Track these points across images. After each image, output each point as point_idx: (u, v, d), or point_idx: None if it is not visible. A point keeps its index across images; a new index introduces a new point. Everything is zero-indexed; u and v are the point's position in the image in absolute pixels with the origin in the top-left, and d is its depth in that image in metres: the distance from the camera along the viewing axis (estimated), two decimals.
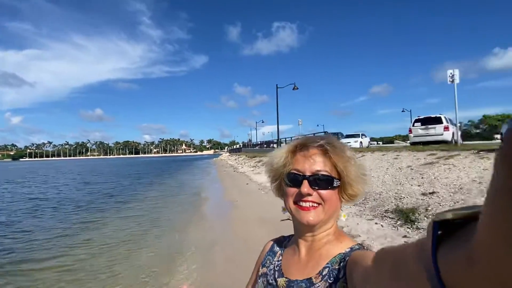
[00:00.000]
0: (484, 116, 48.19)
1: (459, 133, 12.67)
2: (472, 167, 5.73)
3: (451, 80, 8.72)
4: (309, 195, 0.65)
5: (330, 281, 0.63)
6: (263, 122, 50.33)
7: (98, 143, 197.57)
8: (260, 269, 0.81)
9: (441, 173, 5.94)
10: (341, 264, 0.63)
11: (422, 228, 3.99)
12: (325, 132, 23.61)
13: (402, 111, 42.78)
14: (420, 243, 0.25)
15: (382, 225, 4.45)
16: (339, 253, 0.66)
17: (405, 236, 3.87)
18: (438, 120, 12.67)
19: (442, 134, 12.33)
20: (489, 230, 0.17)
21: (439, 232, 0.22)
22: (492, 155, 6.40)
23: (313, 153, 0.68)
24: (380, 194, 5.87)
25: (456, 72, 8.60)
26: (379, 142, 40.43)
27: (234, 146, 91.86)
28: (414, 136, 13.24)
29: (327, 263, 0.65)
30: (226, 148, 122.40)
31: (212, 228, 6.02)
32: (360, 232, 4.32)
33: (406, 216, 4.45)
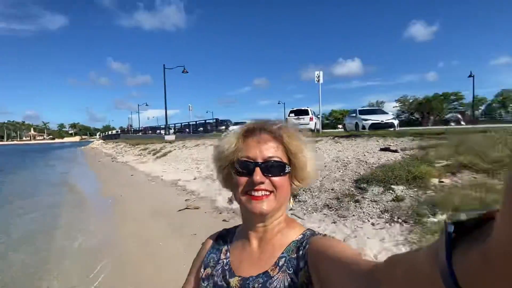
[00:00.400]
0: (332, 110, 64.15)
1: (320, 123, 16.08)
2: (331, 149, 7.42)
3: (317, 79, 10.83)
4: (262, 183, 0.62)
5: (290, 272, 0.60)
6: (147, 105, 45.69)
7: None
8: (202, 270, 0.73)
9: None
10: (300, 253, 0.60)
11: (301, 201, 4.85)
12: (216, 119, 24.03)
13: (278, 103, 49.80)
14: (434, 246, 0.24)
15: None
16: (293, 241, 0.64)
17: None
18: (305, 112, 15.55)
19: (308, 124, 15.23)
20: (507, 227, 0.17)
21: (453, 235, 0.22)
22: (343, 141, 8.56)
23: (265, 138, 0.65)
24: None
25: (321, 74, 10.77)
26: None
27: (109, 132, 78.65)
28: None
29: (283, 253, 0.63)
30: (98, 134, 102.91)
31: (92, 232, 4.99)
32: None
33: None
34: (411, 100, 56.38)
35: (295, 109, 16.02)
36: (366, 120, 12.38)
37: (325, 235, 0.66)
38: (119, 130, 68.66)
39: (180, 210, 5.32)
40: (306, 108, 15.66)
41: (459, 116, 33.83)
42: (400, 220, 3.60)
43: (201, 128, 25.89)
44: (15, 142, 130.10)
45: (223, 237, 0.76)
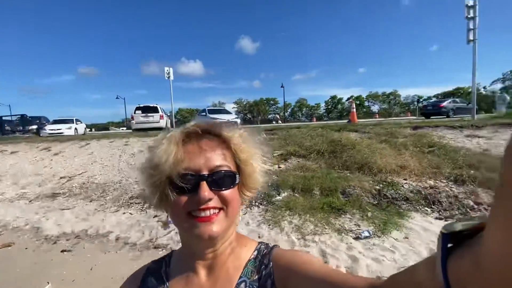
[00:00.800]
0: (179, 108, 63.87)
1: (170, 121, 15.60)
2: None
3: (167, 76, 10.39)
4: (210, 200, 0.50)
5: None
6: None
7: None
8: None
9: None
10: (263, 272, 0.53)
11: None
12: (22, 115, 17.13)
13: (116, 97, 43.22)
14: (432, 257, 0.24)
15: (130, 213, 4.43)
16: (249, 260, 0.56)
17: (156, 216, 4.18)
18: (155, 110, 14.56)
19: (158, 122, 14.37)
20: (496, 233, 0.17)
21: (450, 245, 0.22)
22: None
23: (211, 144, 0.53)
24: (119, 183, 5.71)
25: (171, 71, 10.41)
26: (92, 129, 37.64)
27: None
28: (136, 123, 14.12)
29: (241, 277, 0.54)
30: None
31: None
32: (109, 228, 3.98)
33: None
34: (245, 103, 67.35)
35: (142, 105, 14.53)
36: (215, 119, 13.37)
37: (289, 249, 0.62)
38: None
39: None
40: (155, 105, 14.63)
41: (277, 116, 45.13)
42: (257, 203, 4.24)
43: None
44: None
45: (154, 273, 0.59)
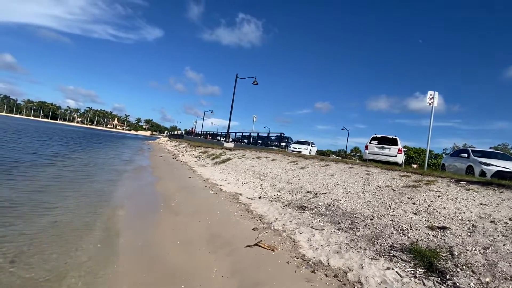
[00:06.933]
0: (404, 146, 56.55)
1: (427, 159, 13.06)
2: (465, 199, 4.98)
3: (429, 102, 8.37)
4: None
5: None
6: (212, 112, 47.54)
7: (2, 96, 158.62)
8: None
9: (432, 201, 5.05)
10: None
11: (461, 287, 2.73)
12: (281, 133, 22.66)
13: (342, 129, 46.12)
14: None
15: (398, 273, 3.07)
16: None
17: None
18: (393, 142, 12.78)
19: (395, 156, 12.43)
20: None
21: None
22: (476, 187, 5.95)
23: None
24: (371, 219, 4.61)
25: (436, 95, 8.30)
26: (328, 153, 42.43)
27: (175, 132, 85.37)
28: (369, 153, 13.12)
29: None
30: (165, 132, 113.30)
31: (123, 252, 3.70)
32: (374, 287, 2.83)
33: (428, 261, 3.19)
34: None
35: (379, 136, 13.35)
36: (487, 165, 9.16)
37: None
38: (183, 132, 73.76)
39: (248, 246, 3.70)
40: (395, 137, 12.88)
41: None
42: None
43: (260, 141, 24.89)
44: (101, 127, 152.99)
45: None
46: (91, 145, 22.84)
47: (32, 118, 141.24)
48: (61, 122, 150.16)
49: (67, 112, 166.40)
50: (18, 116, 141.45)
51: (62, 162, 10.84)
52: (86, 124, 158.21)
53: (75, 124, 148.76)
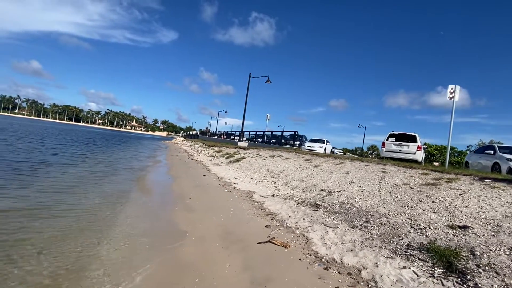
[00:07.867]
0: (425, 143, 54.17)
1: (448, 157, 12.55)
2: (489, 197, 4.73)
3: (450, 97, 7.99)
4: None
5: None
6: (226, 112, 48.18)
7: (30, 101, 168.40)
8: None
9: (453, 199, 4.83)
10: None
11: None
12: (294, 132, 22.45)
13: (358, 126, 44.71)
14: None
15: (415, 272, 2.98)
16: None
17: None
18: (412, 139, 12.31)
19: (414, 153, 11.98)
20: None
21: None
22: (502, 185, 5.63)
23: None
24: (387, 217, 4.49)
25: (457, 89, 7.91)
26: (341, 151, 41.50)
27: (191, 132, 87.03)
28: (386, 151, 12.72)
29: None
30: (181, 132, 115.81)
31: (140, 247, 3.83)
32: (388, 285, 2.76)
33: (447, 261, 3.06)
34: None
35: (396, 132, 12.91)
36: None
37: None
38: (198, 132, 75.00)
39: (260, 243, 3.72)
40: (413, 134, 12.39)
41: None
42: None
43: (274, 140, 24.83)
44: (120, 129, 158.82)
45: None
46: (114, 146, 23.77)
47: (57, 120, 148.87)
48: (83, 124, 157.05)
49: (89, 115, 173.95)
50: (45, 119, 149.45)
51: (85, 163, 11.37)
52: (107, 125, 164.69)
53: (96, 126, 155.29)
